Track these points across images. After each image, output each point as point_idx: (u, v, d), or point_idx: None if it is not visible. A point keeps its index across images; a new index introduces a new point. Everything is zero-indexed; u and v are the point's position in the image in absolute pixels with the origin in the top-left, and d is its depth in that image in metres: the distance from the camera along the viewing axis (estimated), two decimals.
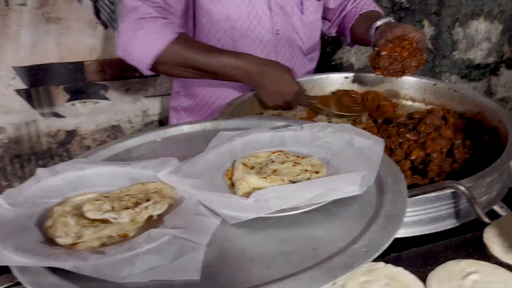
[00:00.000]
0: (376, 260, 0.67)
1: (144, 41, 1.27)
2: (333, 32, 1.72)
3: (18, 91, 1.95)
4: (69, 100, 2.04)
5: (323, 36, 1.71)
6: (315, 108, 1.38)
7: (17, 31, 1.86)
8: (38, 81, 1.96)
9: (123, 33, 1.30)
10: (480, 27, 2.55)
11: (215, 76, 1.32)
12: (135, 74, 2.07)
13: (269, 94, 1.30)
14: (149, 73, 1.34)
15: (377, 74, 1.30)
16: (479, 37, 2.57)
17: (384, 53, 1.27)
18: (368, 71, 1.46)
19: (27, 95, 1.97)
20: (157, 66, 1.32)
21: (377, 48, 1.32)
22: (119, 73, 2.05)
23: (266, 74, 1.28)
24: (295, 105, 1.35)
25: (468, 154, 1.08)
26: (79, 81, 2.01)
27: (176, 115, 1.65)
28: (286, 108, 1.34)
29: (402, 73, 1.28)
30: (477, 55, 2.62)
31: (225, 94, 1.51)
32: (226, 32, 1.40)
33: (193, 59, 1.29)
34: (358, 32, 1.55)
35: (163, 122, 2.20)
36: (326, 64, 2.32)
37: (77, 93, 2.03)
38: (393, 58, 1.26)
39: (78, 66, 1.98)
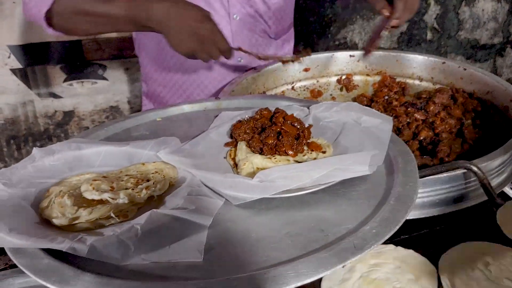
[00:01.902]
0: (385, 242, 0.64)
1: None
2: None
3: (14, 71, 1.91)
4: (66, 80, 2.00)
5: (326, 15, 1.66)
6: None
7: (12, 8, 1.81)
8: (34, 60, 1.91)
9: None
10: (486, 6, 2.50)
11: (113, 22, 1.13)
12: (135, 53, 2.03)
13: (176, 34, 1.07)
14: (51, 32, 1.19)
15: None
16: (485, 16, 2.52)
17: None
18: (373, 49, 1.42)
19: (23, 75, 1.93)
20: (54, 20, 1.16)
21: None
22: (118, 52, 2.00)
23: (171, 11, 1.07)
24: (215, 52, 1.11)
25: (478, 134, 1.05)
26: (77, 60, 1.97)
27: (141, 101, 1.59)
28: (202, 56, 1.12)
29: None
30: (483, 35, 2.57)
31: (183, 87, 1.43)
32: None
33: (87, 4, 1.11)
34: None
35: None
36: (330, 44, 2.27)
37: (75, 73, 1.99)
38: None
39: (76, 45, 1.94)
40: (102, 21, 1.13)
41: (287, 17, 1.45)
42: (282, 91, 1.40)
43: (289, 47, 1.54)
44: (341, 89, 1.45)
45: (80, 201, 0.70)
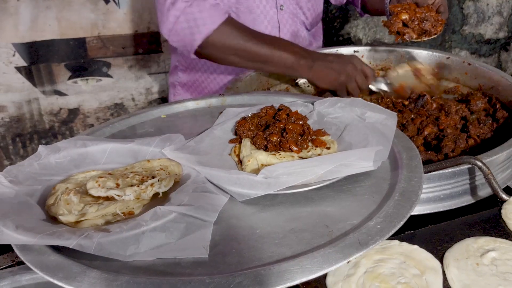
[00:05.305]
0: (390, 238, 0.64)
1: (195, 19, 1.19)
2: (343, 0, 1.67)
3: (18, 69, 1.92)
4: (71, 77, 2.00)
5: (330, 10, 1.66)
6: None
7: (16, 6, 1.81)
8: (38, 58, 1.92)
9: (169, 11, 1.20)
10: (491, 0, 2.48)
11: (262, 63, 1.24)
12: (139, 51, 2.03)
13: (326, 70, 1.21)
14: (193, 56, 1.26)
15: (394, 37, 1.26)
16: (490, 11, 2.50)
17: (405, 17, 1.21)
18: (377, 45, 1.42)
19: (28, 73, 1.94)
20: (205, 49, 1.23)
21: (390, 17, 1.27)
22: (122, 50, 2.01)
23: (324, 57, 1.22)
24: (356, 90, 1.22)
25: (483, 130, 1.05)
26: (81, 58, 1.97)
27: (173, 90, 1.61)
28: (343, 94, 1.24)
29: (420, 35, 1.23)
30: (488, 30, 2.56)
31: (226, 73, 1.47)
32: (230, 6, 1.36)
33: (246, 42, 1.21)
34: (371, 1, 1.51)
35: (167, 100, 2.17)
36: (334, 39, 2.27)
37: (79, 70, 2.00)
38: (409, 20, 1.21)
39: (80, 42, 1.94)
40: (258, 60, 1.23)
41: (319, 8, 1.53)
42: (286, 87, 1.39)
43: (319, 42, 1.62)
44: None
45: (86, 198, 0.71)
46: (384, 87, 1.27)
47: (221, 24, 1.19)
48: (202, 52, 1.24)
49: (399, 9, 1.22)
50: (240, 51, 1.22)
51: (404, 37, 1.21)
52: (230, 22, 1.22)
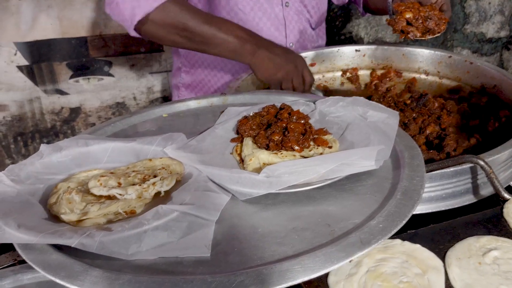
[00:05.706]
0: (392, 237, 0.64)
1: None
2: (345, 0, 1.67)
3: (20, 68, 1.92)
4: (73, 76, 2.00)
5: (332, 9, 1.66)
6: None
7: (18, 5, 1.81)
8: (40, 57, 1.92)
9: None
10: None
11: (204, 44, 1.19)
12: (140, 50, 2.03)
13: (266, 61, 1.18)
14: (134, 34, 1.23)
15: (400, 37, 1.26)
16: (491, 10, 2.49)
17: (409, 16, 1.21)
18: (379, 44, 1.42)
19: (30, 72, 1.94)
20: (145, 26, 1.19)
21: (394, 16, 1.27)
22: (124, 49, 2.01)
23: (271, 47, 1.19)
24: (300, 84, 1.21)
25: (485, 128, 1.05)
26: (83, 57, 1.97)
27: (177, 92, 1.61)
28: (287, 86, 1.22)
29: (424, 33, 1.22)
30: (490, 29, 2.55)
31: (231, 72, 1.47)
32: (237, 3, 1.36)
33: (188, 22, 1.17)
34: (373, 0, 1.51)
35: (168, 99, 2.17)
36: (336, 38, 2.26)
37: (81, 70, 2.00)
38: (413, 18, 1.21)
39: (81, 42, 1.94)
40: (200, 40, 1.19)
41: (323, 7, 1.53)
42: None
43: (323, 40, 1.61)
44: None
45: (88, 197, 0.71)
46: (317, 95, 1.27)
47: (164, 1, 1.16)
48: (142, 29, 1.20)
49: (403, 7, 1.22)
50: (181, 30, 1.18)
51: (408, 35, 1.21)
52: (175, 1, 1.18)
